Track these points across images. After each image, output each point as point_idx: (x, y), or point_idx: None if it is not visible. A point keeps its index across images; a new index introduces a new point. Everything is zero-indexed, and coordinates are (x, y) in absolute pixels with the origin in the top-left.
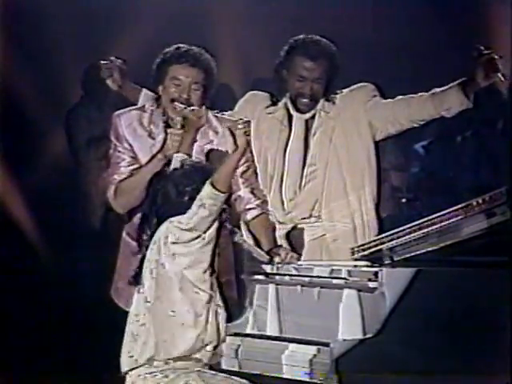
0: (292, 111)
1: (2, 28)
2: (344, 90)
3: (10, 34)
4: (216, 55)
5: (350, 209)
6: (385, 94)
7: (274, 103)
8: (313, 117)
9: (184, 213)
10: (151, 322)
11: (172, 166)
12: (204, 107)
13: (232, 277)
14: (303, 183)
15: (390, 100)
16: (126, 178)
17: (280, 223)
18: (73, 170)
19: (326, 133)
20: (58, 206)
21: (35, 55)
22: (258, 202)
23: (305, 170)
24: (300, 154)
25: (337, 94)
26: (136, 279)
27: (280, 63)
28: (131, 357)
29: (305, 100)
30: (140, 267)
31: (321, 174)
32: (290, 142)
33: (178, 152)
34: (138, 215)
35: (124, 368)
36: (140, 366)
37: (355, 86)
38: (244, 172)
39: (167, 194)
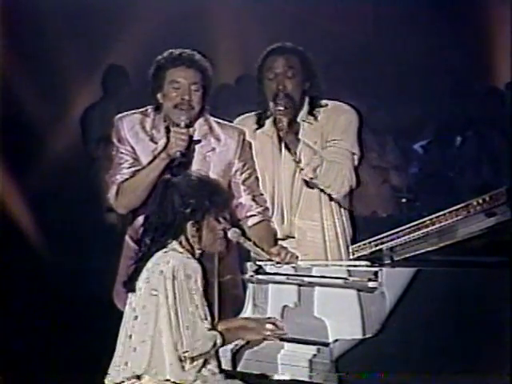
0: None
1: (2, 28)
2: (329, 104)
3: (10, 34)
4: (216, 55)
5: (322, 222)
6: (368, 102)
7: (262, 125)
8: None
9: (183, 223)
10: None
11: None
12: (207, 115)
13: (237, 276)
14: (296, 201)
15: (338, 162)
16: (128, 179)
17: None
18: (73, 171)
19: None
20: (59, 207)
21: (35, 55)
22: (259, 209)
23: (294, 188)
24: (293, 172)
25: (322, 106)
26: (129, 284)
27: (257, 79)
28: (118, 367)
29: (281, 101)
30: (136, 272)
31: (300, 188)
32: (282, 159)
33: (181, 151)
34: (141, 218)
35: (109, 379)
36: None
37: (338, 108)
38: (246, 179)
39: (172, 203)
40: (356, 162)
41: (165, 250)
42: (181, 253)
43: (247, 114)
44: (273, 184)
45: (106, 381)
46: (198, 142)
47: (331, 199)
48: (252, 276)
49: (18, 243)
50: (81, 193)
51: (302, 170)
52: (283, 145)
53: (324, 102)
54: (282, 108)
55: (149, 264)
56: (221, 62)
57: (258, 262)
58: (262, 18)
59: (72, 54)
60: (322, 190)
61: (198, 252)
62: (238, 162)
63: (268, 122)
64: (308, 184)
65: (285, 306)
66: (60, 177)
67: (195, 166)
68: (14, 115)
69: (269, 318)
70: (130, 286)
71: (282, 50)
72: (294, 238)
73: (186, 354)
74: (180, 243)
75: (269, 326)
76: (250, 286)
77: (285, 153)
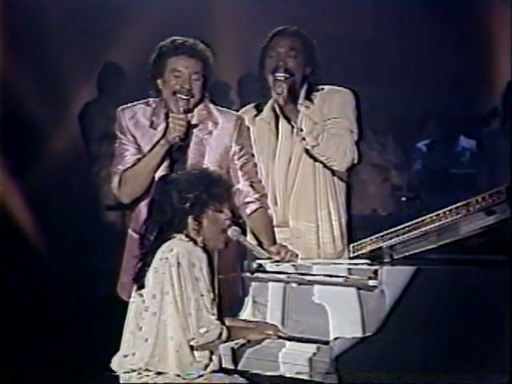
0: (278, 111)
1: (2, 28)
2: (325, 88)
3: (10, 34)
4: (216, 53)
5: (316, 215)
6: (368, 101)
7: (260, 111)
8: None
9: (184, 218)
10: (147, 327)
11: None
12: (207, 101)
13: (237, 274)
14: (291, 186)
15: (339, 133)
16: (130, 167)
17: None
18: (73, 170)
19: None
20: (59, 206)
21: (35, 55)
22: (256, 195)
23: (289, 174)
24: (288, 158)
25: (318, 90)
26: (138, 280)
27: (259, 61)
28: (125, 356)
29: (280, 74)
30: (142, 269)
31: (294, 172)
32: (278, 145)
33: (180, 137)
34: (143, 210)
35: (115, 367)
36: (133, 371)
37: (332, 91)
38: (244, 165)
39: (170, 199)
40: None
41: (171, 240)
42: (186, 241)
43: (248, 106)
44: (267, 169)
45: (112, 366)
46: (196, 126)
47: (333, 174)
48: (252, 274)
49: (18, 242)
50: (81, 192)
51: (304, 139)
52: (280, 128)
53: (320, 86)
54: (281, 78)
55: (157, 255)
56: (221, 62)
57: (258, 261)
58: (264, 17)
59: (72, 53)
60: (324, 166)
61: (200, 245)
62: (235, 145)
63: (266, 109)
64: (309, 153)
65: (285, 305)
66: (60, 176)
67: (192, 150)
68: (14, 115)
69: (271, 324)
70: (139, 282)
71: (287, 31)
72: (288, 226)
73: (193, 342)
74: (186, 236)
75: (270, 327)
76: (250, 284)
77: (281, 141)
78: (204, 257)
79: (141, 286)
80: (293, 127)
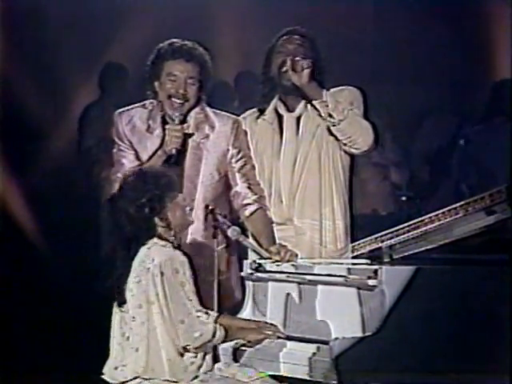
0: (281, 111)
1: (1, 28)
2: (331, 90)
3: (10, 34)
4: (215, 53)
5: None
6: (368, 99)
7: (262, 111)
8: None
9: (151, 221)
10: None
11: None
12: (203, 104)
13: (237, 273)
14: (296, 185)
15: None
16: None
17: (278, 224)
18: (73, 170)
19: (311, 130)
20: (59, 206)
21: (35, 55)
22: (254, 197)
23: (295, 173)
24: (293, 157)
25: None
26: (119, 297)
27: (265, 60)
28: (116, 368)
29: (292, 69)
30: (120, 284)
31: (300, 172)
32: (283, 145)
33: (177, 148)
34: None
35: (108, 378)
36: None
37: (340, 89)
38: (241, 167)
39: (127, 213)
40: None
41: (147, 246)
42: (163, 246)
43: (251, 110)
44: (272, 168)
45: (105, 377)
46: (192, 135)
47: (352, 159)
48: (252, 274)
49: (18, 242)
50: (81, 192)
51: (330, 116)
52: (284, 129)
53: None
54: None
55: (135, 263)
56: (220, 62)
57: (257, 260)
58: (263, 18)
59: (72, 53)
60: (345, 145)
61: (172, 238)
62: (232, 148)
63: (269, 110)
64: (331, 132)
65: (285, 304)
66: (60, 176)
67: (189, 154)
68: (14, 115)
69: (270, 323)
70: (119, 298)
71: (296, 31)
72: (292, 225)
73: (189, 347)
74: (159, 236)
75: (269, 327)
76: (250, 284)
77: (286, 140)
78: (186, 260)
79: (121, 304)
80: (315, 107)
